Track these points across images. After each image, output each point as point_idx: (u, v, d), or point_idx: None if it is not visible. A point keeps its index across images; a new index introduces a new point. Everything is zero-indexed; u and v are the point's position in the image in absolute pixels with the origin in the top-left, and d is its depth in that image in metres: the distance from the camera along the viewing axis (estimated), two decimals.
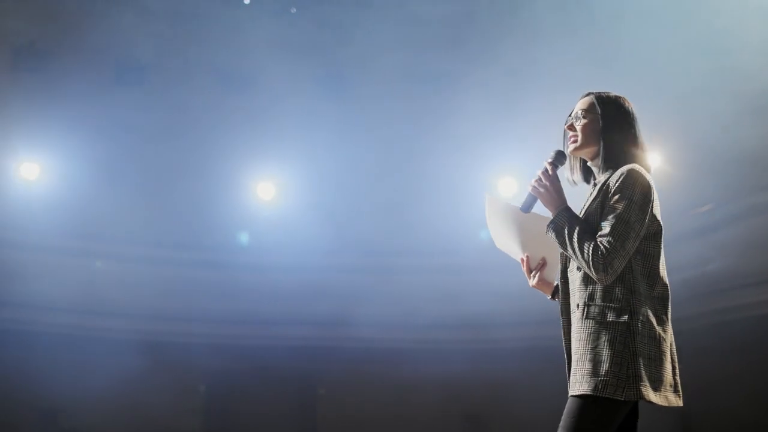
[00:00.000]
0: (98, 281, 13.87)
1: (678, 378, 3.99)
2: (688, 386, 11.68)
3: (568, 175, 4.28)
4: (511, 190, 13.73)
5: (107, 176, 13.56)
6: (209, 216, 14.00)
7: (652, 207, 3.97)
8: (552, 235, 4.01)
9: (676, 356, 4.01)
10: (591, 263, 3.85)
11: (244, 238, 14.22)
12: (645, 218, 3.91)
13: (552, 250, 4.23)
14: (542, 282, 4.37)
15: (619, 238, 3.83)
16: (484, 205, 4.36)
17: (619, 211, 3.88)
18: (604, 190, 3.99)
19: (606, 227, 3.87)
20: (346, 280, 14.18)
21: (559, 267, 4.17)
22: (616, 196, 3.92)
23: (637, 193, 3.90)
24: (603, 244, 3.83)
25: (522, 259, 4.42)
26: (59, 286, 13.46)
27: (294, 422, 14.91)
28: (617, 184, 3.94)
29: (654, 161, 13.40)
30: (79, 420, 13.95)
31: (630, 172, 3.96)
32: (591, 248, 3.85)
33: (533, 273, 4.38)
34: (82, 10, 12.90)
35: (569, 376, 4.03)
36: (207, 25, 13.17)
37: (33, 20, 12.76)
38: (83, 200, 13.50)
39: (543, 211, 4.11)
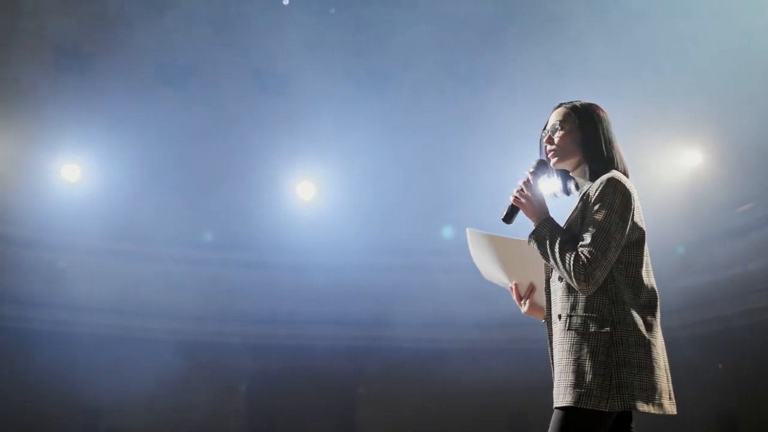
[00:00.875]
0: (139, 282, 13.93)
1: (671, 385, 3.94)
2: (729, 388, 11.66)
3: (550, 189, 4.24)
4: (553, 191, 13.68)
5: (148, 178, 13.64)
6: (249, 216, 14.04)
7: (633, 214, 3.91)
8: (534, 246, 3.96)
9: (667, 362, 3.96)
10: (572, 274, 3.80)
11: (284, 238, 14.22)
12: (626, 227, 3.86)
13: (538, 274, 4.18)
14: (533, 307, 4.31)
15: (600, 248, 3.78)
16: (467, 240, 4.30)
17: (599, 220, 3.83)
18: (585, 199, 3.95)
19: (587, 237, 3.82)
20: (385, 280, 14.18)
21: (544, 277, 4.10)
22: (597, 206, 3.86)
23: (617, 201, 3.85)
24: (584, 255, 3.79)
25: (511, 288, 4.36)
26: (101, 288, 13.55)
27: (334, 422, 14.93)
28: (597, 193, 3.90)
29: (694, 160, 13.47)
30: (120, 420, 14.03)
31: (609, 180, 3.91)
32: (572, 258, 3.80)
33: (523, 300, 4.33)
34: (124, 13, 13.02)
35: (554, 385, 4.00)
36: (246, 26, 13.25)
37: (76, 23, 12.88)
38: (124, 202, 13.59)
39: (526, 223, 4.06)
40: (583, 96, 11.76)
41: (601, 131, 4.10)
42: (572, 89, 12.91)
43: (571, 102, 4.19)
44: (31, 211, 13.42)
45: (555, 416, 3.84)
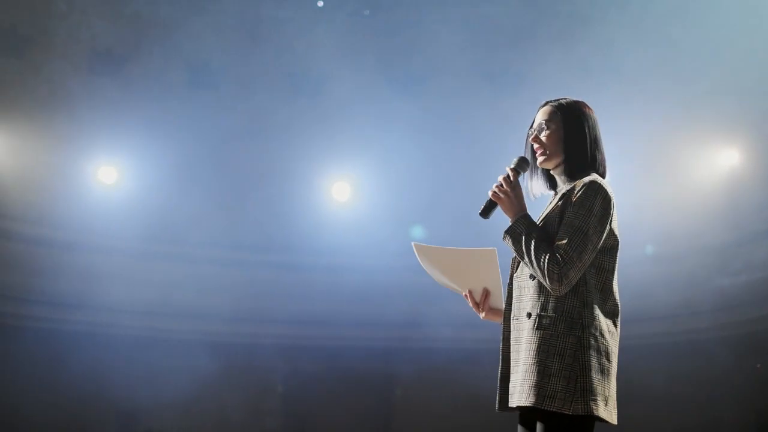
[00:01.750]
0: (175, 284, 13.97)
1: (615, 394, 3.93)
2: (765, 389, 11.51)
3: (529, 189, 4.22)
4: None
5: (183, 179, 13.69)
6: (284, 218, 14.05)
7: (611, 221, 3.91)
8: (509, 242, 3.95)
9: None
10: (546, 272, 3.79)
11: (319, 239, 14.23)
12: (603, 231, 3.85)
13: (490, 279, 4.20)
14: (491, 312, 4.32)
15: (576, 249, 3.77)
16: (415, 254, 4.33)
17: (578, 222, 3.82)
18: (565, 199, 3.94)
19: (564, 237, 3.81)
20: (420, 281, 14.13)
21: (509, 273, 4.10)
22: (577, 207, 3.85)
23: (597, 205, 3.84)
24: (560, 254, 3.77)
25: (465, 296, 4.35)
26: (137, 290, 13.59)
27: (371, 423, 14.91)
28: (578, 194, 3.88)
29: (731, 159, 13.36)
30: (156, 422, 14.08)
31: (592, 183, 3.90)
32: (547, 257, 3.79)
33: (480, 307, 4.34)
34: (157, 15, 13.07)
35: (501, 384, 4.01)
36: (280, 28, 13.28)
37: (109, 26, 12.95)
38: (160, 204, 13.64)
39: (496, 225, 4.08)
40: (615, 96, 11.84)
41: (587, 130, 4.11)
42: (604, 89, 12.93)
43: (558, 100, 4.22)
44: (67, 214, 13.50)
45: (546, 421, 3.80)
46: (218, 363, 13.74)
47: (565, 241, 3.79)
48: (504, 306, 4.15)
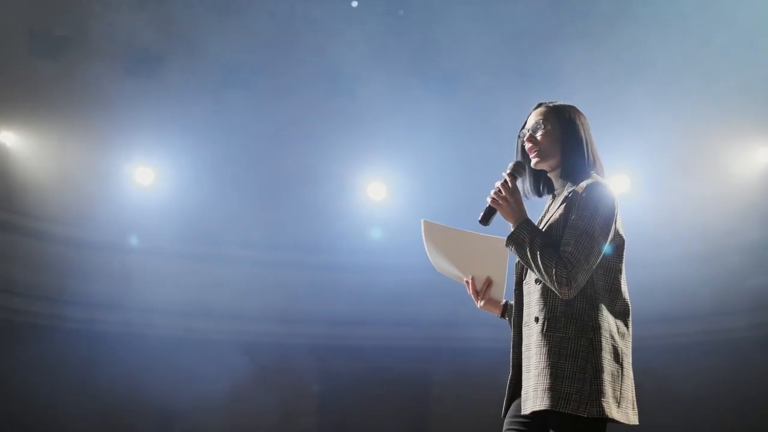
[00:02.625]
0: (212, 285, 14.04)
1: (635, 395, 3.90)
2: None
3: (524, 191, 4.16)
4: (624, 186, 13.64)
5: (219, 180, 13.75)
6: (320, 217, 14.09)
7: (616, 220, 3.89)
8: (512, 249, 3.90)
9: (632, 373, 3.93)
10: (554, 277, 3.75)
11: (355, 238, 14.26)
12: (609, 232, 3.83)
13: (496, 269, 4.16)
14: (490, 302, 4.27)
15: (583, 252, 3.74)
16: (421, 231, 4.27)
17: (583, 224, 3.79)
18: (568, 202, 3.90)
19: (570, 241, 3.77)
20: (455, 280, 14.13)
21: (514, 279, 4.06)
22: (582, 210, 3.82)
23: (602, 206, 3.81)
24: (567, 258, 3.74)
25: (467, 282, 4.31)
26: (173, 290, 13.65)
27: (407, 422, 14.90)
28: (582, 196, 3.85)
29: None
30: (194, 422, 14.13)
31: (595, 184, 3.87)
32: (554, 262, 3.75)
33: (480, 294, 4.29)
34: (192, 16, 13.13)
35: (509, 391, 3.99)
36: (314, 27, 13.31)
37: (144, 27, 13.02)
38: (196, 204, 13.70)
39: (482, 229, 4.05)
40: (648, 93, 11.77)
41: (582, 133, 4.07)
42: (637, 86, 12.89)
43: (552, 102, 4.16)
44: (104, 215, 13.56)
45: (528, 419, 3.83)
46: (254, 363, 13.78)
47: (571, 244, 3.76)
48: (504, 301, 4.17)
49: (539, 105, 4.18)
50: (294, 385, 14.66)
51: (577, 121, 4.10)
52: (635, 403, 3.87)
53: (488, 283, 4.27)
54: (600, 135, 11.99)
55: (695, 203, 13.64)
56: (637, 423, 3.85)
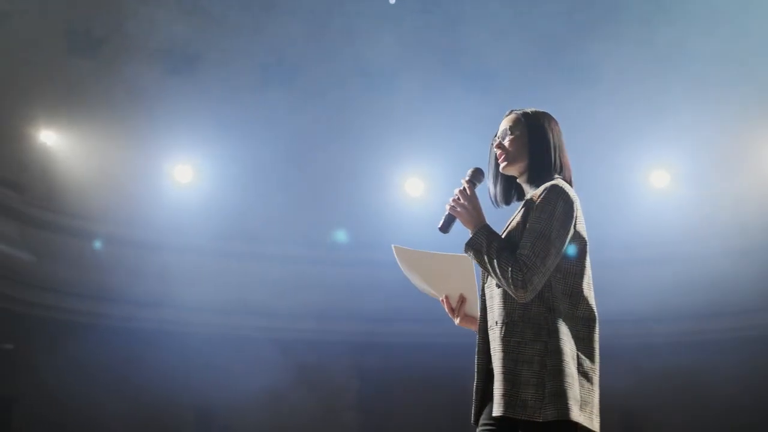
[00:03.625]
0: (250, 282, 14.08)
1: (598, 402, 3.86)
2: None
3: (493, 198, 4.20)
4: (663, 182, 13.58)
5: (257, 178, 13.78)
6: (358, 214, 14.10)
7: (576, 223, 3.85)
8: (471, 255, 3.89)
9: (598, 380, 3.89)
10: (510, 280, 3.72)
11: (393, 234, 14.24)
12: (567, 235, 3.80)
13: (467, 285, 4.15)
14: (466, 319, 4.24)
15: (539, 255, 3.72)
16: (395, 257, 4.27)
17: (540, 226, 3.77)
18: (527, 205, 3.90)
19: (527, 244, 3.75)
20: None
21: (480, 284, 4.04)
22: (538, 212, 3.80)
23: (559, 209, 3.79)
24: (523, 261, 3.72)
25: (442, 301, 4.29)
26: (212, 288, 13.73)
27: (447, 419, 14.86)
28: (539, 199, 3.83)
29: None
30: (232, 419, 14.21)
31: (553, 187, 3.86)
32: (510, 265, 3.73)
33: (456, 312, 4.26)
34: (229, 14, 13.17)
35: (476, 397, 3.95)
36: (352, 24, 13.31)
37: (182, 26, 13.06)
38: (234, 202, 13.74)
39: (456, 240, 4.04)
40: (689, 89, 11.68)
41: (551, 138, 4.07)
42: (678, 82, 12.83)
43: (523, 109, 4.16)
44: (143, 214, 13.67)
45: (490, 426, 3.81)
46: (291, 360, 13.81)
47: (527, 247, 3.74)
48: (479, 315, 4.11)
49: (511, 112, 4.20)
50: (332, 382, 14.68)
51: (546, 127, 4.10)
52: (599, 410, 3.86)
53: (462, 300, 4.25)
54: (639, 132, 12.01)
55: (734, 199, 13.59)
56: (597, 429, 3.83)
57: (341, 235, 14.50)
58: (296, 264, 14.24)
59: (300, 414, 14.08)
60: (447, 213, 4.04)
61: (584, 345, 3.82)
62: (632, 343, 14.03)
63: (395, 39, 13.29)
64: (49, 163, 13.33)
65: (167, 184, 13.76)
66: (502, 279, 3.75)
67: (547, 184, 3.89)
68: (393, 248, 4.25)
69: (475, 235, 3.91)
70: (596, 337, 3.87)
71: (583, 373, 3.78)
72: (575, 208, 3.85)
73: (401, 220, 14.08)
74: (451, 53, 13.62)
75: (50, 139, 13.28)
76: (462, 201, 4.01)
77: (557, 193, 3.83)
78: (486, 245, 3.84)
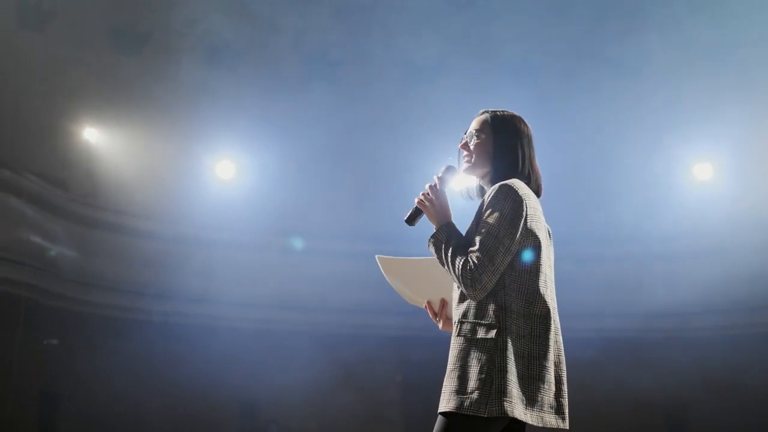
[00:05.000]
0: (293, 277, 14.11)
1: (563, 400, 3.86)
2: None
3: (464, 193, 4.26)
4: (706, 175, 13.54)
5: (300, 172, 13.81)
6: (400, 209, 14.06)
7: (526, 221, 3.84)
8: (432, 249, 3.97)
9: (563, 378, 3.90)
10: (461, 278, 3.78)
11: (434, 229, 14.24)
12: (516, 233, 3.80)
13: (447, 288, 4.15)
14: (447, 322, 4.27)
15: (487, 254, 3.75)
16: (380, 268, 4.38)
17: (488, 226, 3.80)
18: (480, 205, 3.93)
19: (476, 242, 3.80)
20: None
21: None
22: (487, 212, 3.84)
23: (507, 207, 3.81)
24: (472, 260, 3.76)
25: (425, 306, 4.36)
26: (256, 283, 13.77)
27: None
28: (489, 199, 3.86)
29: None
30: (277, 414, 14.24)
31: (501, 186, 3.87)
32: (461, 263, 3.78)
33: (438, 316, 4.32)
34: (272, 9, 13.19)
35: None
36: (394, 19, 13.32)
37: (228, 22, 13.10)
38: (277, 197, 13.77)
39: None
40: (734, 83, 11.59)
41: (517, 145, 4.07)
42: (724, 75, 12.78)
43: (494, 111, 4.16)
44: (186, 209, 13.72)
45: (438, 421, 3.78)
46: (338, 354, 13.82)
47: (477, 246, 3.78)
48: None
49: (482, 112, 4.20)
50: (376, 377, 14.68)
51: (513, 134, 4.10)
52: (563, 408, 3.85)
53: (443, 303, 4.31)
54: (683, 125, 11.91)
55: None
56: (563, 427, 3.83)
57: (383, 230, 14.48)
58: (339, 259, 14.24)
59: (344, 408, 14.08)
60: (415, 206, 4.14)
61: (540, 343, 3.82)
62: (674, 336, 14.00)
63: (437, 33, 13.30)
64: (93, 160, 13.42)
65: (210, 180, 13.83)
66: (455, 276, 3.83)
67: (497, 184, 3.91)
68: (377, 259, 4.39)
69: (437, 231, 4.00)
70: (553, 335, 3.87)
71: (536, 372, 3.79)
72: (524, 207, 3.84)
73: None
74: (494, 47, 13.60)
75: (94, 136, 13.36)
76: (430, 196, 4.11)
77: (506, 192, 3.85)
78: (445, 241, 3.92)
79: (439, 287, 4.24)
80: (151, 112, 13.30)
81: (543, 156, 12.21)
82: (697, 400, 14.12)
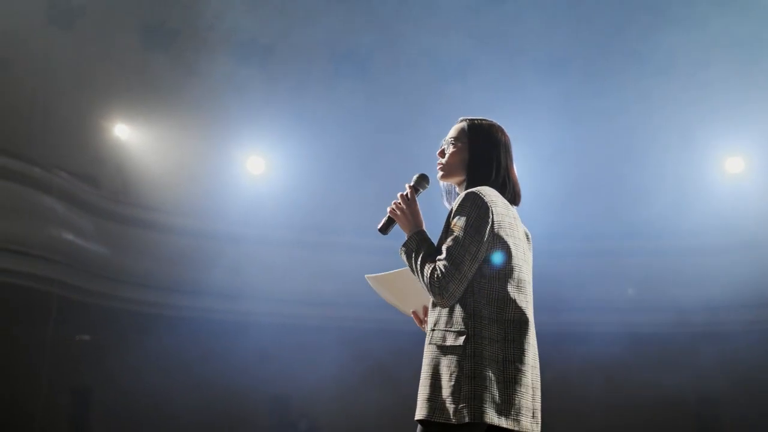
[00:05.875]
0: (323, 273, 14.14)
1: (537, 404, 3.87)
2: None
3: (443, 200, 4.28)
4: (738, 169, 13.47)
5: (330, 168, 13.80)
6: (430, 204, 14.04)
7: (493, 228, 3.86)
8: (404, 257, 4.01)
9: (538, 383, 3.91)
10: (429, 287, 3.83)
11: None
12: (482, 240, 3.82)
13: (427, 295, 4.17)
14: None
15: (453, 261, 3.78)
16: (371, 286, 4.46)
17: (454, 233, 3.83)
18: (449, 212, 3.95)
19: (443, 250, 3.83)
20: (563, 266, 14.05)
21: None
22: (454, 219, 3.87)
23: (473, 214, 3.83)
24: (439, 268, 3.80)
25: (412, 314, 4.40)
26: (287, 279, 13.80)
27: None
28: (456, 206, 3.90)
29: None
30: (307, 409, 14.27)
31: (468, 194, 3.90)
32: (429, 272, 3.83)
33: (423, 323, 4.33)
34: (302, 4, 13.19)
35: None
36: (425, 14, 13.29)
37: (258, 17, 13.09)
38: (307, 192, 13.78)
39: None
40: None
41: (493, 155, 4.11)
42: (757, 69, 12.68)
43: (472, 119, 4.23)
44: (216, 205, 13.75)
45: (418, 429, 3.83)
46: (368, 350, 13.83)
47: (444, 254, 3.82)
48: None
49: (461, 120, 4.29)
50: (405, 371, 14.64)
51: (488, 143, 4.15)
52: (536, 412, 3.87)
53: (426, 311, 4.29)
54: (713, 118, 11.84)
55: None
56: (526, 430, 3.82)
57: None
58: (368, 255, 14.17)
59: (373, 403, 14.09)
60: (388, 215, 4.17)
61: (515, 347, 3.82)
62: (704, 332, 13.94)
63: (466, 31, 13.25)
64: (123, 156, 13.44)
65: (240, 176, 13.82)
66: (424, 285, 3.88)
67: (465, 191, 3.95)
68: (366, 278, 4.47)
69: (408, 239, 4.04)
70: (529, 339, 3.88)
71: (511, 376, 3.79)
72: (491, 214, 3.86)
73: None
74: (524, 42, 13.54)
75: (124, 133, 13.38)
76: (402, 205, 4.13)
77: (471, 199, 3.88)
78: (416, 249, 3.96)
79: (422, 295, 4.22)
80: (180, 108, 13.31)
81: (573, 152, 12.24)
82: (728, 397, 14.07)
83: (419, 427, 3.82)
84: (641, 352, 13.90)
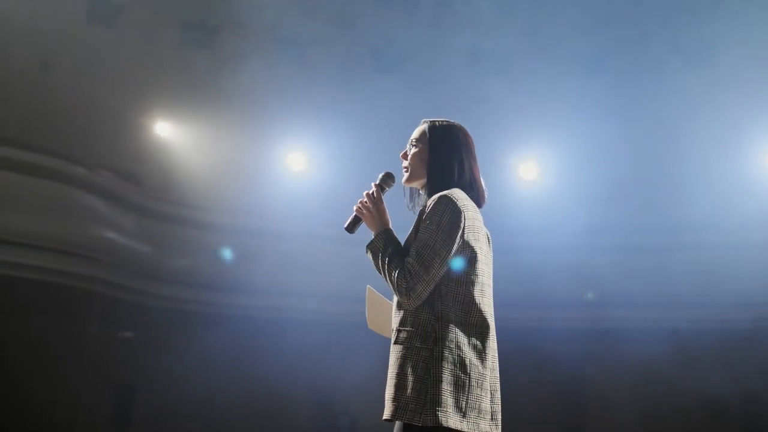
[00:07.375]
0: (368, 270, 14.05)
1: (497, 407, 3.93)
2: None
3: (406, 202, 4.41)
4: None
5: (370, 164, 13.71)
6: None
7: (464, 233, 3.94)
8: (370, 256, 4.12)
9: (497, 386, 4.00)
10: (396, 287, 3.92)
11: (507, 219, 14.18)
12: (453, 244, 3.91)
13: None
14: None
15: (422, 264, 3.84)
16: (366, 297, 4.59)
17: (425, 236, 3.90)
18: (419, 215, 4.06)
19: (413, 252, 3.91)
20: (599, 260, 14.01)
21: None
22: (426, 222, 3.94)
23: (445, 219, 3.91)
24: (407, 268, 3.87)
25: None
26: (329, 276, 13.78)
27: (560, 404, 14.81)
28: (428, 209, 3.98)
29: None
30: (351, 406, 14.30)
31: (441, 198, 3.98)
32: (397, 272, 3.91)
33: None
34: (343, 1, 13.17)
35: None
36: (464, 8, 13.23)
37: (297, 13, 13.07)
38: (349, 188, 13.68)
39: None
40: None
41: (453, 155, 4.18)
42: None
43: (433, 120, 4.31)
44: (258, 201, 13.74)
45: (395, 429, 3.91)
46: None
47: (413, 256, 3.89)
48: None
49: (423, 122, 4.37)
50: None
51: (449, 144, 4.22)
52: (496, 415, 3.97)
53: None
54: (755, 113, 11.75)
55: None
56: None
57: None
58: None
59: None
60: (354, 214, 4.28)
61: (477, 352, 3.93)
62: (749, 329, 13.88)
63: (506, 25, 13.18)
64: (164, 154, 13.44)
65: (281, 173, 13.80)
66: (390, 284, 4.00)
67: (436, 195, 4.04)
68: (367, 288, 4.64)
69: (374, 238, 4.16)
70: (490, 343, 4.01)
71: (474, 380, 3.88)
72: (462, 219, 3.97)
73: (513, 203, 13.98)
74: (565, 36, 13.46)
75: (166, 130, 13.38)
76: (368, 204, 4.28)
77: (445, 203, 3.97)
78: (382, 249, 4.07)
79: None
80: (220, 105, 13.29)
81: (617, 146, 12.16)
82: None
83: (396, 427, 3.92)
84: (682, 349, 13.84)
